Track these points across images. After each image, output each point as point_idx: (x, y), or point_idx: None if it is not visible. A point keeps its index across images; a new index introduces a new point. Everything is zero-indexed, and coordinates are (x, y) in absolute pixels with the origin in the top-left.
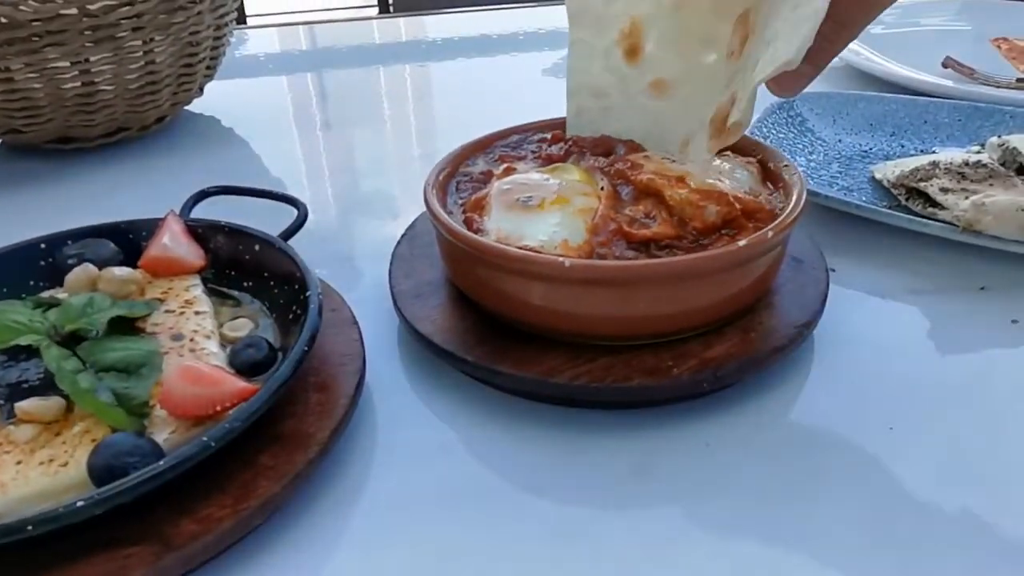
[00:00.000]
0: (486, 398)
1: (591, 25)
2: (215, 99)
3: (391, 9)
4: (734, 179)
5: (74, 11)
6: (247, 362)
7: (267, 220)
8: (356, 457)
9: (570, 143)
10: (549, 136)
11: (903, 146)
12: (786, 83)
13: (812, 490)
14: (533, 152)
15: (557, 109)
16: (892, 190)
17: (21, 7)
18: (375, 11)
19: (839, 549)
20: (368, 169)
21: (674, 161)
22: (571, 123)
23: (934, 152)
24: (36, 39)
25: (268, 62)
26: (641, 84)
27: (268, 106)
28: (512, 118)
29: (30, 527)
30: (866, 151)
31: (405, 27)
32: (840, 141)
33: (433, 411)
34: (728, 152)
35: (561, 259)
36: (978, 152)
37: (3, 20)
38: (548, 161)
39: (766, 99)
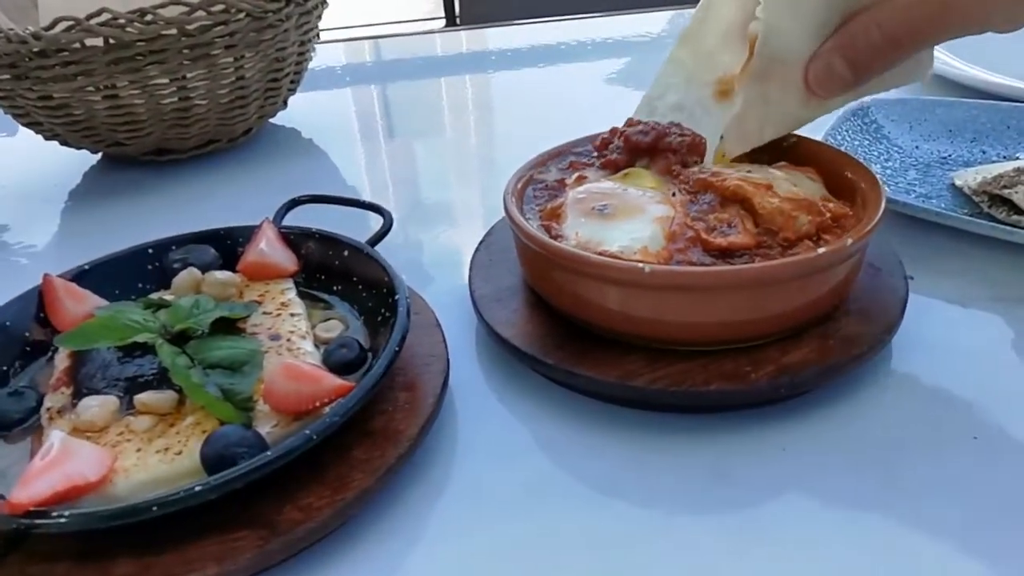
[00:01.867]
0: (564, 400)
1: (696, 56)
2: (295, 112)
3: (458, 21)
4: (807, 188)
5: (174, 31)
6: (340, 361)
7: (348, 227)
8: (440, 454)
9: (622, 137)
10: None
11: (984, 152)
12: (823, 81)
13: (891, 499)
14: (602, 156)
15: (619, 114)
16: (974, 197)
17: (127, 28)
18: (442, 22)
19: (921, 559)
20: (440, 178)
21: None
22: (640, 115)
23: (1018, 158)
24: (140, 58)
25: (344, 74)
26: (724, 117)
27: (343, 117)
28: (577, 124)
29: (155, 508)
30: (945, 157)
31: (467, 40)
32: (917, 148)
33: (512, 411)
34: (785, 162)
35: (641, 265)
36: None
37: (111, 41)
38: (614, 167)
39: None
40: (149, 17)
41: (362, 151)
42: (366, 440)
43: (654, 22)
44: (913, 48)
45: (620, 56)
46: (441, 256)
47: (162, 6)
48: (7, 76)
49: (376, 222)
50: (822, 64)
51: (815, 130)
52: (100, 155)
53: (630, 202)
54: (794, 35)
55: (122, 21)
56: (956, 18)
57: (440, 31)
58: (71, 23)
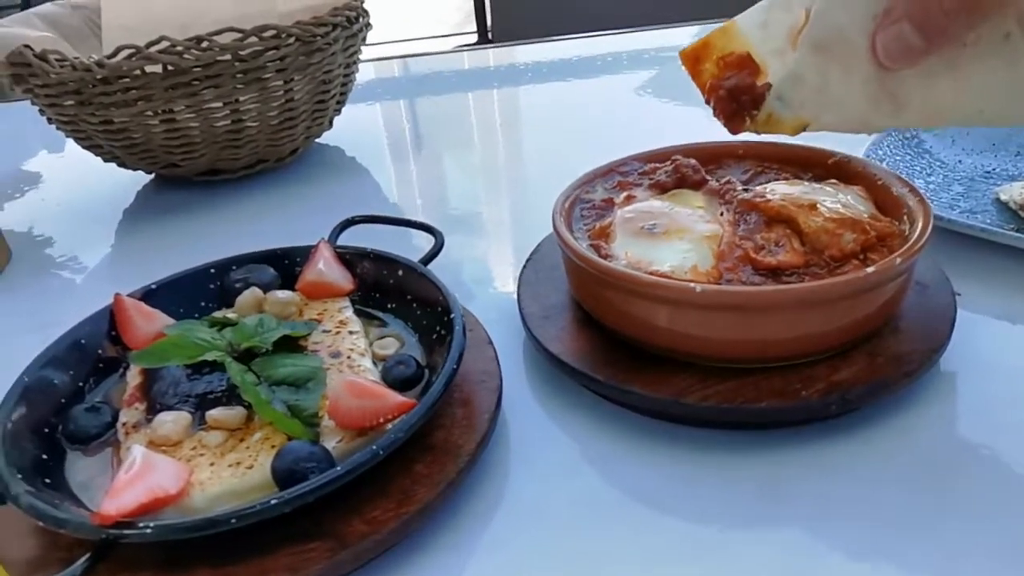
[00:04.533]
0: (613, 416)
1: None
2: (339, 131)
3: (490, 36)
4: (854, 206)
5: (228, 57)
6: (398, 378)
7: (396, 244)
8: (496, 469)
9: (674, 166)
10: (659, 164)
11: None
12: (893, 51)
13: (943, 519)
14: (650, 179)
15: (649, 130)
16: (1020, 212)
17: (185, 55)
18: (474, 36)
19: None
20: (481, 194)
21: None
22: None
23: None
24: (196, 83)
25: (382, 92)
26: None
27: (384, 135)
28: (612, 140)
29: (233, 520)
30: (989, 172)
31: (500, 56)
32: (960, 162)
33: (562, 427)
34: (835, 180)
35: (692, 284)
36: None
37: (170, 67)
38: (661, 188)
39: None
40: (205, 44)
41: (403, 168)
42: (427, 455)
43: (681, 36)
44: (991, 6)
45: (648, 71)
46: (487, 273)
47: (217, 33)
48: (71, 102)
49: (423, 239)
50: (891, 32)
51: (856, 145)
52: (153, 175)
53: (679, 221)
54: (853, 6)
55: (180, 48)
56: None
57: (471, 48)
58: (132, 51)
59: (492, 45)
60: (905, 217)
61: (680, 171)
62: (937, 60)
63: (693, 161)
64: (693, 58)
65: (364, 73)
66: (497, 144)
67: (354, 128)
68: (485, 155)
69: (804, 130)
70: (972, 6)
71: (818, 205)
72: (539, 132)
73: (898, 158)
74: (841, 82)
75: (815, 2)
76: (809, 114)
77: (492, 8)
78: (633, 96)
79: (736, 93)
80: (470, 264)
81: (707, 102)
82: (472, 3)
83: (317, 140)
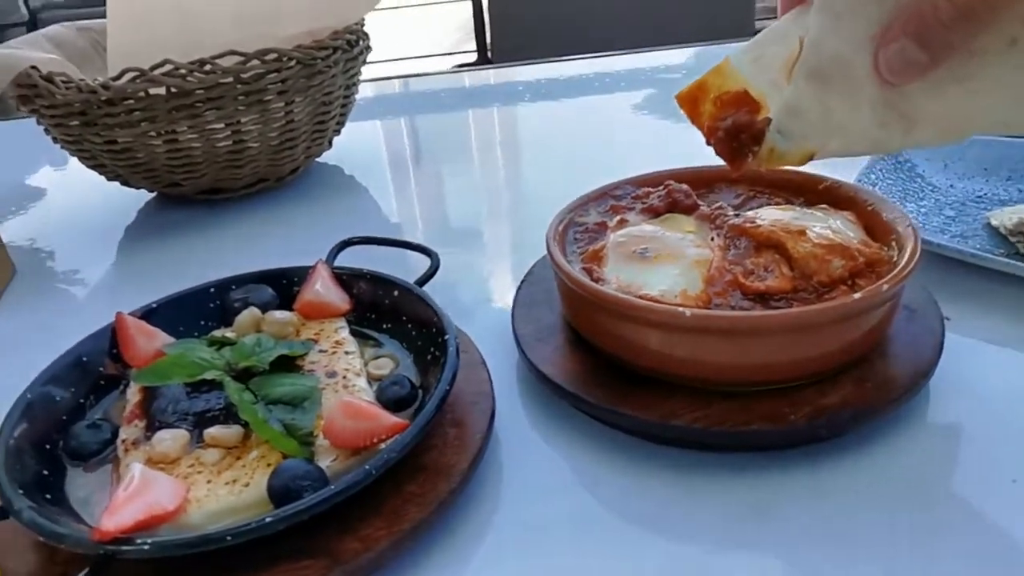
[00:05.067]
0: (604, 437)
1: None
2: (338, 150)
3: (489, 55)
4: (843, 232)
5: (231, 79)
6: (392, 398)
7: (393, 264)
8: (488, 488)
9: (666, 190)
10: (652, 189)
11: (1021, 190)
12: (896, 68)
13: (930, 541)
14: (642, 203)
15: (646, 151)
16: (1010, 237)
17: (188, 78)
18: (474, 55)
19: None
20: (478, 214)
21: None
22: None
23: None
24: (199, 105)
25: (382, 112)
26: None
27: (382, 154)
28: (608, 161)
29: (229, 537)
30: (980, 196)
31: (499, 76)
32: (952, 187)
33: (554, 448)
34: (825, 205)
35: (681, 309)
36: None
37: (174, 90)
38: (653, 213)
39: None
40: (208, 67)
41: (402, 187)
42: (419, 475)
43: (679, 58)
44: (989, 14)
45: (646, 91)
46: (483, 294)
47: (220, 56)
48: (76, 123)
49: (421, 259)
50: (893, 50)
51: (850, 169)
52: (155, 193)
53: (670, 246)
54: (848, 30)
55: (183, 71)
56: None
57: (471, 68)
58: (137, 73)
59: (492, 65)
60: (894, 243)
61: (672, 196)
62: (944, 72)
63: (685, 186)
64: (690, 101)
65: (364, 92)
66: (495, 163)
67: (354, 147)
68: (483, 174)
69: (811, 159)
70: (969, 15)
71: (807, 231)
72: (537, 152)
73: (890, 182)
74: (844, 108)
75: (808, 31)
76: (814, 143)
77: (492, 28)
78: (631, 116)
79: (734, 132)
80: (467, 284)
81: (708, 143)
82: (472, 23)
83: (317, 159)
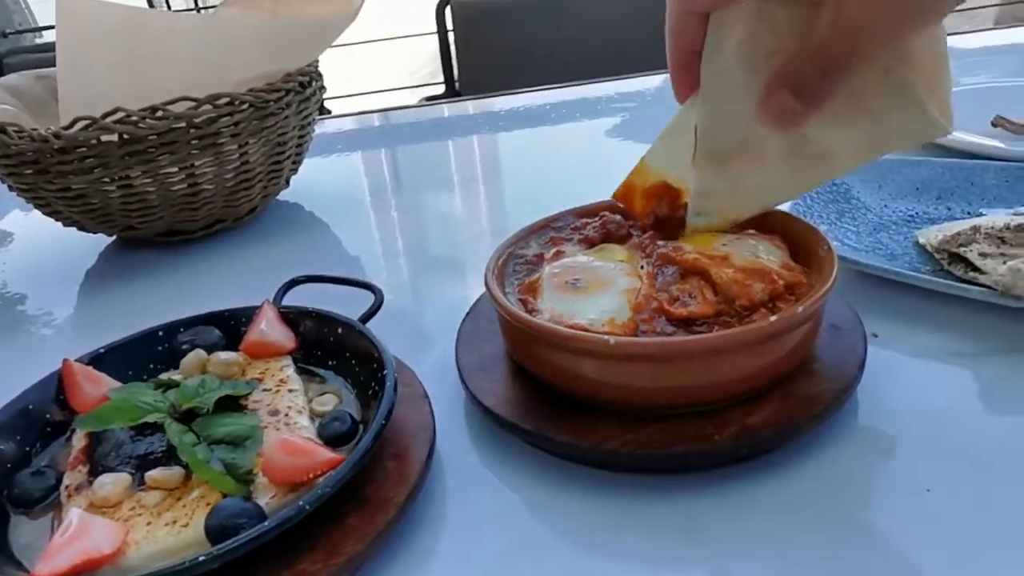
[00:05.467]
0: (545, 464)
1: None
2: (297, 187)
3: (457, 87)
4: (767, 257)
5: (183, 124)
6: (334, 434)
7: (347, 300)
8: (429, 519)
9: (601, 222)
10: (589, 220)
11: (949, 209)
12: (780, 118)
13: (850, 552)
14: (580, 234)
15: (609, 177)
16: (935, 255)
17: (140, 125)
18: (441, 87)
19: None
20: (432, 248)
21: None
22: None
23: (981, 215)
24: (152, 150)
25: (344, 148)
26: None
27: (341, 191)
28: (566, 189)
29: None
30: (912, 216)
31: (460, 109)
32: (886, 207)
33: (497, 476)
34: (753, 230)
35: (607, 337)
36: (1021, 215)
37: (126, 136)
38: (589, 243)
39: None
40: (160, 113)
41: (360, 222)
42: (359, 508)
43: (644, 85)
44: (857, 63)
45: (611, 119)
46: (432, 326)
47: (172, 102)
48: (30, 171)
49: (371, 295)
50: (775, 103)
51: None
52: (114, 237)
53: (601, 276)
54: (733, 108)
55: (135, 118)
56: (866, 39)
57: (432, 103)
58: (88, 122)
59: (457, 99)
60: (815, 266)
61: (606, 227)
62: (838, 107)
63: (618, 217)
64: (624, 198)
65: (327, 126)
66: (452, 196)
67: (313, 184)
68: (439, 207)
69: (739, 222)
70: (835, 71)
71: (730, 257)
72: (494, 185)
73: (825, 204)
74: (755, 172)
75: (697, 120)
76: (732, 213)
77: (458, 61)
78: (594, 146)
79: (661, 223)
80: (417, 318)
81: (643, 232)
82: (439, 56)
83: (276, 197)
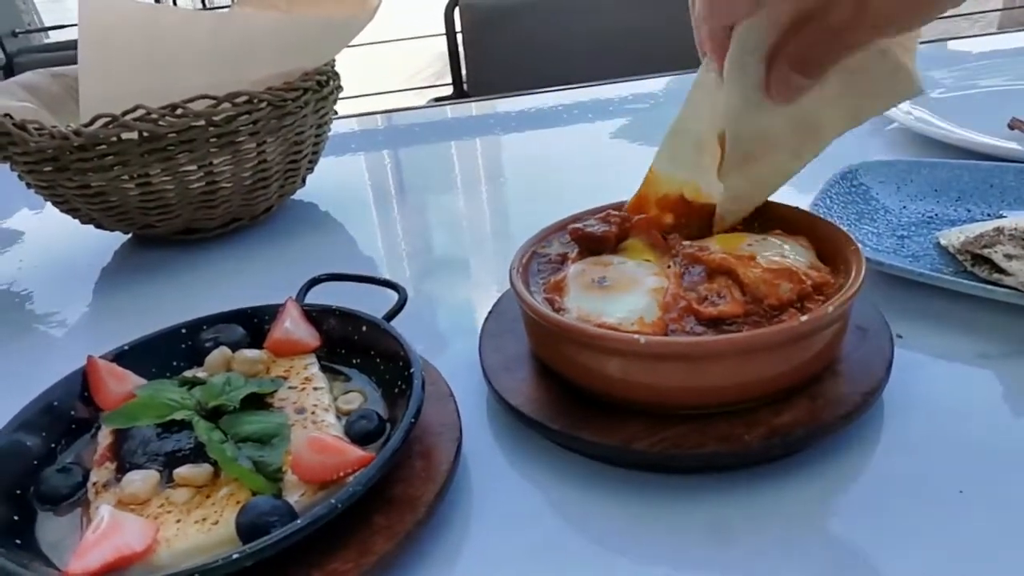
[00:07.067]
0: (571, 463)
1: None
2: (313, 187)
3: (465, 88)
4: (794, 257)
5: (202, 123)
6: (360, 432)
7: (366, 298)
8: (456, 518)
9: (621, 221)
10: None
11: (969, 211)
12: (781, 90)
13: (881, 554)
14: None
15: (619, 179)
16: (958, 256)
17: (160, 123)
18: (450, 89)
19: None
20: (451, 246)
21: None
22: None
23: (1001, 216)
24: (171, 148)
25: (356, 148)
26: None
27: (356, 190)
28: (580, 190)
29: (196, 575)
30: (931, 217)
31: (474, 110)
32: (905, 208)
33: (522, 475)
34: (779, 231)
35: (637, 336)
36: None
37: (146, 134)
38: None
39: (828, 171)
40: (180, 111)
41: (376, 222)
42: (386, 507)
43: (653, 86)
44: (846, 49)
45: (621, 120)
46: (454, 325)
47: (191, 100)
48: (49, 168)
49: (393, 294)
50: (780, 77)
51: (804, 191)
52: (129, 235)
53: (627, 275)
54: (759, 119)
55: (155, 116)
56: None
57: (442, 104)
58: (109, 119)
59: (468, 99)
60: (842, 266)
61: (625, 223)
62: (831, 81)
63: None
64: (637, 209)
65: (340, 127)
66: (471, 196)
67: (329, 183)
68: (458, 207)
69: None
70: (849, 50)
71: (757, 256)
72: (513, 184)
73: (844, 205)
74: (771, 159)
75: (725, 131)
76: (753, 203)
77: (467, 63)
78: (605, 147)
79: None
80: (439, 316)
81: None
82: (448, 57)
83: (292, 197)
